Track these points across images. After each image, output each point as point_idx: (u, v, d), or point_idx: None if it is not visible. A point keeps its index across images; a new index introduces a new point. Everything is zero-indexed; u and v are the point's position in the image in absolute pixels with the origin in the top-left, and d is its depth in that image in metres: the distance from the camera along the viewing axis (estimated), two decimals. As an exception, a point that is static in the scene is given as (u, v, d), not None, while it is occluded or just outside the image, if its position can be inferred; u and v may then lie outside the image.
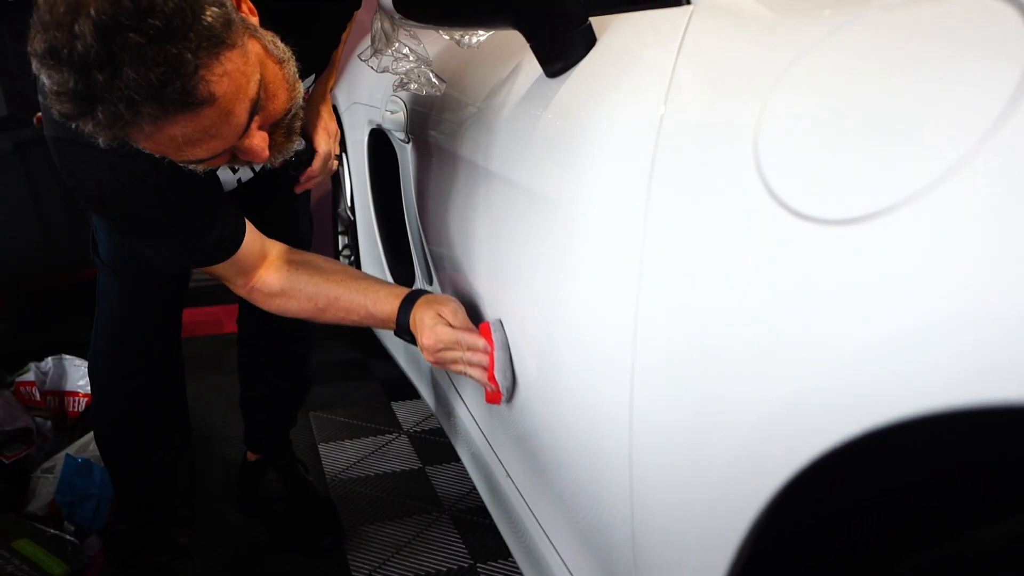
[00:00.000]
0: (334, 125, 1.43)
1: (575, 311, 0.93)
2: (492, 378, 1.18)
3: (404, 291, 1.29)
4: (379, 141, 2.07)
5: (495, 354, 1.17)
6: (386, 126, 1.88)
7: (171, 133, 0.89)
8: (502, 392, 1.18)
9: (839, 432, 0.50)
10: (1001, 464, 0.47)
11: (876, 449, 0.49)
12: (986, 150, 0.44)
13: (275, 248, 1.31)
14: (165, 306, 1.41)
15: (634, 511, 0.81)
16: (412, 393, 2.37)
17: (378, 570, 1.59)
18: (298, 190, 1.41)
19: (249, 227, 1.25)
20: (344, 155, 2.44)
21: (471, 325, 1.23)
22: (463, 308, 1.25)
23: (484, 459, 1.46)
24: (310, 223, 1.68)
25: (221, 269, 1.25)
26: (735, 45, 0.73)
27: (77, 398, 2.02)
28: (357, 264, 2.44)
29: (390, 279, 2.19)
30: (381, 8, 1.04)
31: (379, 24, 1.18)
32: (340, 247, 2.74)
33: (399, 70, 1.30)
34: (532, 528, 1.21)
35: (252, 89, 0.94)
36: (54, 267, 2.51)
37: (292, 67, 1.04)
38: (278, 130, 1.05)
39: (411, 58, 1.29)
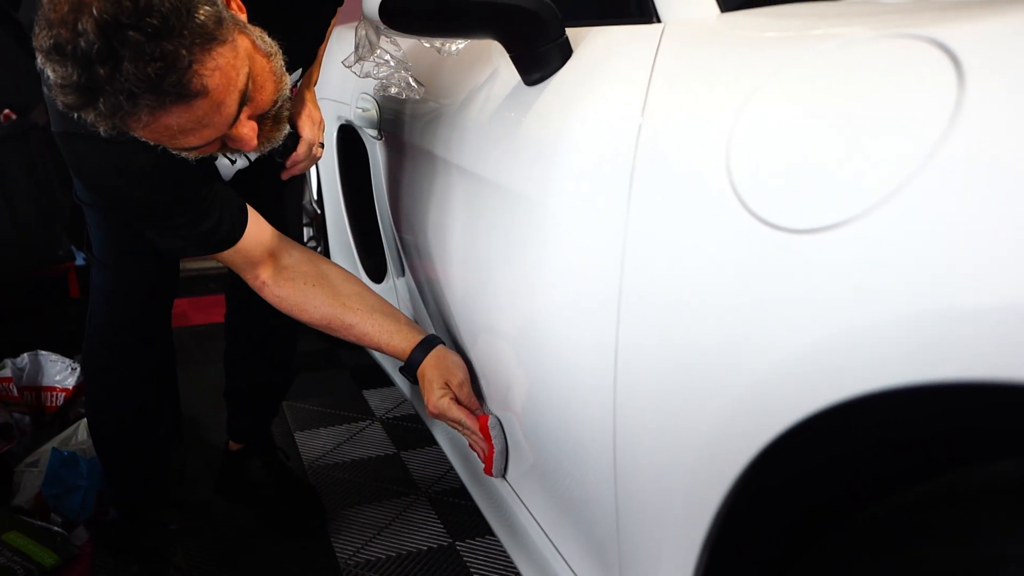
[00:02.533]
0: (319, 114, 1.50)
1: (556, 304, 1.00)
2: (488, 468, 1.29)
3: (418, 336, 1.35)
4: (348, 136, 2.12)
5: (494, 454, 1.27)
6: (357, 123, 1.93)
7: (167, 122, 0.96)
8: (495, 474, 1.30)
9: (802, 409, 0.59)
10: (937, 431, 0.57)
11: (832, 424, 0.58)
12: (928, 170, 0.53)
13: (288, 248, 1.38)
14: (156, 299, 1.46)
15: (617, 484, 0.89)
16: (382, 381, 2.44)
17: (361, 551, 1.66)
18: (284, 176, 1.47)
19: (256, 217, 1.33)
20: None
21: (476, 403, 1.32)
22: (469, 379, 1.32)
23: (461, 442, 1.53)
24: (299, 217, 1.73)
25: (229, 257, 1.32)
26: (706, 65, 0.81)
27: (55, 393, 2.05)
28: (326, 254, 2.49)
29: (361, 271, 2.25)
30: (365, 17, 1.10)
31: (363, 32, 1.24)
32: (305, 239, 2.78)
33: (380, 75, 1.36)
34: (514, 504, 1.28)
35: (241, 81, 1.01)
36: (27, 264, 2.51)
37: (279, 60, 1.11)
38: (266, 120, 1.12)
39: (391, 63, 1.35)
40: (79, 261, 2.83)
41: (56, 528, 1.63)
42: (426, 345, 1.34)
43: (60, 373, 2.07)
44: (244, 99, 1.03)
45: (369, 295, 1.40)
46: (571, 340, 0.97)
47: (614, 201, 0.85)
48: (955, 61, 0.54)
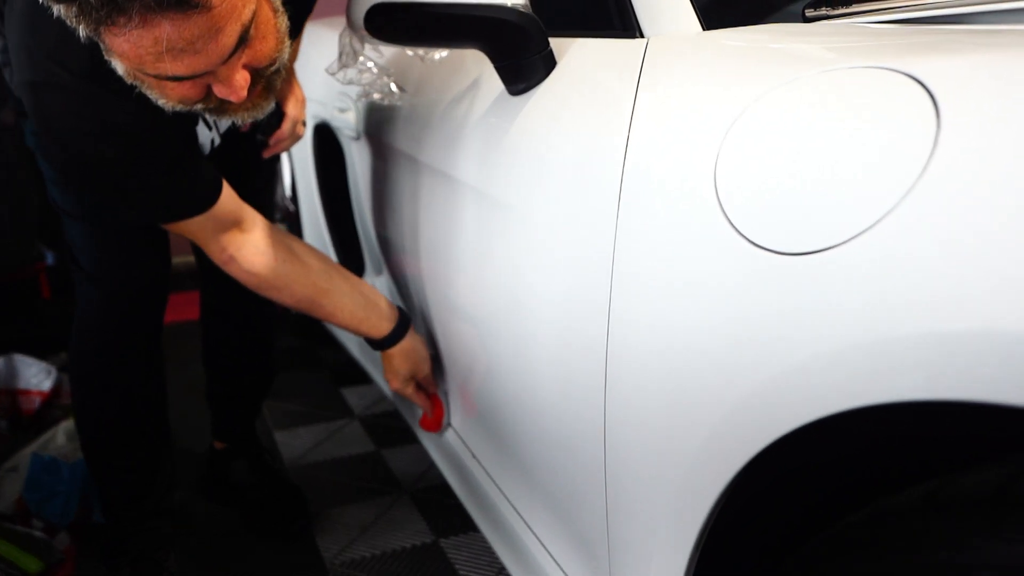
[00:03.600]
0: (301, 93, 1.49)
1: (543, 311, 1.03)
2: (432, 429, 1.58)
3: (387, 324, 1.46)
4: (324, 133, 2.13)
5: (438, 430, 1.57)
6: (335, 124, 1.94)
7: (156, 34, 0.87)
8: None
9: (789, 423, 0.62)
10: (912, 443, 0.60)
11: (816, 436, 0.62)
12: (910, 199, 0.56)
13: (251, 216, 1.32)
14: (147, 305, 1.44)
15: (607, 484, 0.92)
16: (360, 379, 2.44)
17: (346, 550, 1.68)
18: (266, 154, 1.44)
19: (225, 186, 1.27)
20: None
21: (433, 384, 1.54)
22: (431, 369, 1.52)
23: (447, 440, 1.56)
24: (272, 206, 1.72)
25: (198, 227, 1.25)
26: (692, 84, 0.84)
27: (31, 396, 2.03)
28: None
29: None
30: (350, 25, 1.11)
31: (347, 40, 1.25)
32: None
33: (362, 81, 1.37)
34: (500, 503, 1.30)
35: (246, 15, 0.95)
36: (-1, 265, 2.49)
37: (284, 21, 1.06)
38: (260, 79, 1.06)
39: (374, 70, 1.36)
40: (50, 261, 2.80)
41: (38, 533, 1.63)
42: (396, 332, 1.46)
43: (36, 376, 2.06)
44: (244, 37, 0.96)
45: (336, 273, 1.42)
46: (560, 346, 0.99)
47: (603, 216, 0.87)
48: (931, 97, 0.58)
